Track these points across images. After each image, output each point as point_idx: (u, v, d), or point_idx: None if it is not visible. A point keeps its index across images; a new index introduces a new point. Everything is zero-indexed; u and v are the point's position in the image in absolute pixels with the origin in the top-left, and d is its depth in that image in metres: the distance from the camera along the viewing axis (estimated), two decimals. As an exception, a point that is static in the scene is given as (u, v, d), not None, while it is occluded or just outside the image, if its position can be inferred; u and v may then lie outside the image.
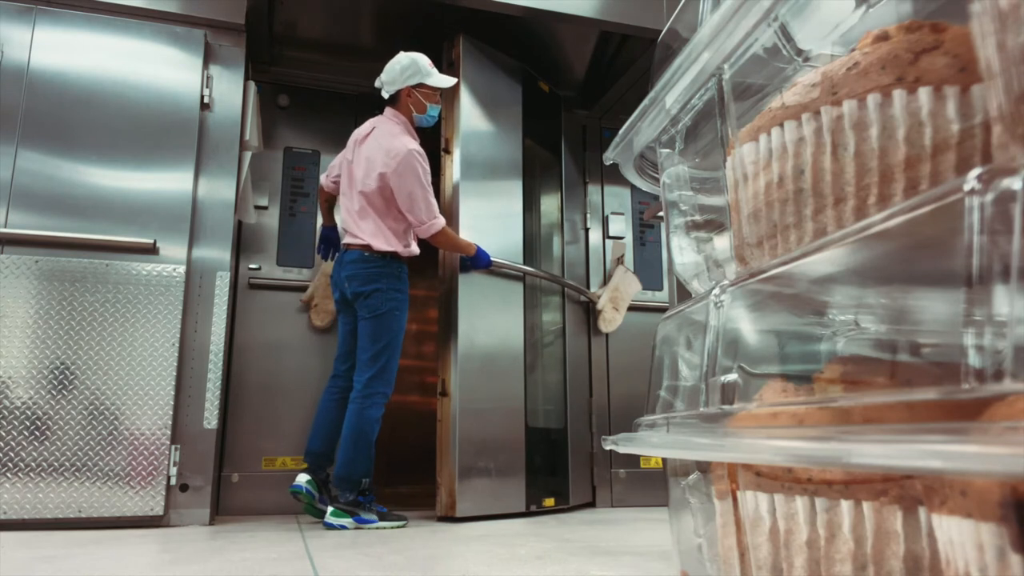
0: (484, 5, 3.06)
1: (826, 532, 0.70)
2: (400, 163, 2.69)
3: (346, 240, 2.83)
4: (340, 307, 2.90)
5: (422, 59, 2.82)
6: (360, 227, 2.76)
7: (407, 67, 2.79)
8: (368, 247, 2.74)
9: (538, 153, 3.67)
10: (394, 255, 2.77)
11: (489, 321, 3.15)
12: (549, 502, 3.22)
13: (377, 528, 2.62)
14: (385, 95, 2.88)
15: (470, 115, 3.24)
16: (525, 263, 3.36)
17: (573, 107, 4.03)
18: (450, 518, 2.86)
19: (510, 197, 3.38)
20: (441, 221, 2.79)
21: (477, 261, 2.97)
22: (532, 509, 3.11)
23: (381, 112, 2.92)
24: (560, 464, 3.39)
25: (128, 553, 1.94)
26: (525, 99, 3.52)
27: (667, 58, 1.14)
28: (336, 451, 2.74)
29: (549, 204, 3.76)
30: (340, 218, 2.94)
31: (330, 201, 3.11)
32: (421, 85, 2.82)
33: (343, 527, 2.59)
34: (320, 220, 3.30)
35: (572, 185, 3.85)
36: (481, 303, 3.12)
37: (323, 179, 3.07)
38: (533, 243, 3.54)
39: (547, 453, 3.32)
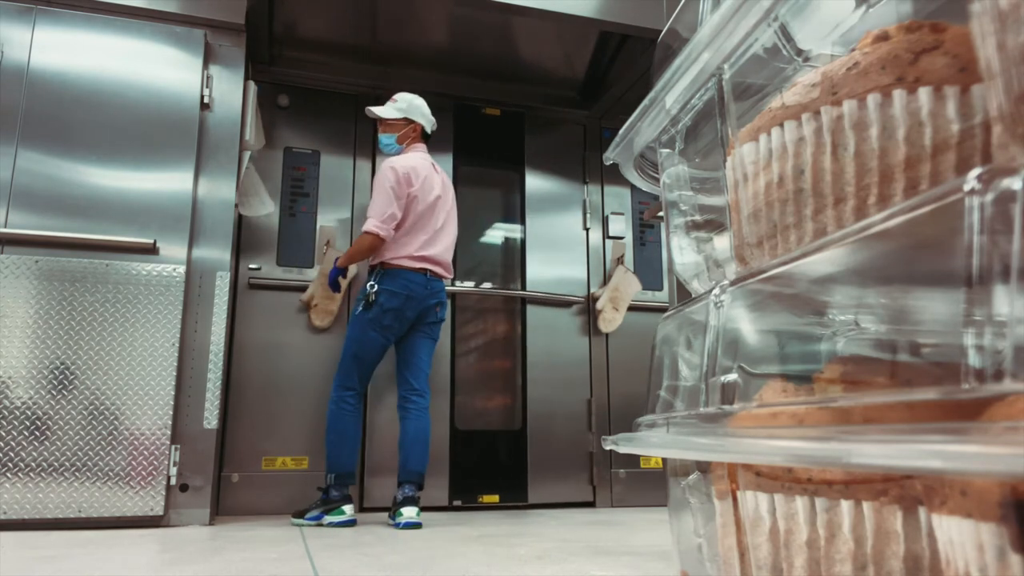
0: (479, 4, 3.07)
1: (826, 532, 0.70)
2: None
3: (429, 266, 2.90)
4: (400, 325, 2.86)
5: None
6: (447, 257, 2.98)
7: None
8: (447, 279, 3.02)
9: (492, 174, 3.89)
10: None
11: None
12: (489, 499, 3.45)
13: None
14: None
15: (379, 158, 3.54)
16: (485, 283, 3.74)
17: (573, 107, 4.03)
18: (363, 508, 3.27)
19: None
20: None
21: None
22: (455, 504, 3.38)
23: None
24: (513, 464, 3.55)
25: (128, 553, 1.94)
26: (459, 129, 3.76)
27: (667, 58, 1.14)
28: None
29: (510, 221, 3.88)
30: (418, 239, 2.87)
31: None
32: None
33: (420, 524, 2.69)
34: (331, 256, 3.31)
35: (545, 194, 3.91)
36: None
37: (388, 231, 2.83)
38: (494, 261, 3.84)
39: (488, 454, 3.54)
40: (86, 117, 2.74)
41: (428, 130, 3.07)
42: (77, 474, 2.48)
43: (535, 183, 3.90)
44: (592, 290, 3.83)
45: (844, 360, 0.84)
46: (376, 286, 2.82)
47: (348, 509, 2.74)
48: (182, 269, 2.72)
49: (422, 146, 3.04)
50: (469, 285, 3.73)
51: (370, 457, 3.34)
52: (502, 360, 3.72)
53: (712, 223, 1.16)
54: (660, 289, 3.92)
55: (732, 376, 0.89)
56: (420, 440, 2.83)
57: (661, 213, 1.54)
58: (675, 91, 1.12)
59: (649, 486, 3.67)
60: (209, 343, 2.74)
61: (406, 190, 2.85)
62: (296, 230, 3.43)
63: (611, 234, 3.92)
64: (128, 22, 2.86)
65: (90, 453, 2.51)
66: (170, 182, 2.79)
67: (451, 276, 3.04)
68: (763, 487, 0.78)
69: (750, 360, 0.90)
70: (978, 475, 0.44)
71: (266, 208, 3.21)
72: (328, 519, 2.71)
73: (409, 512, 2.66)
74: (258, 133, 3.12)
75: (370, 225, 2.81)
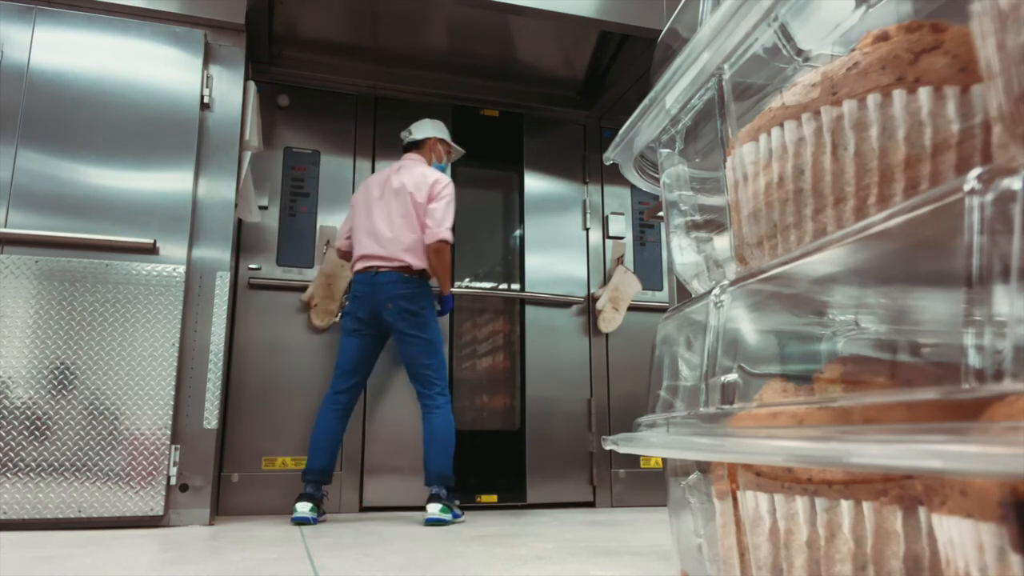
0: (479, 4, 3.07)
1: (826, 532, 0.70)
2: (440, 186, 3.01)
3: (373, 263, 2.94)
4: (360, 326, 2.95)
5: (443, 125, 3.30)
6: (393, 249, 2.93)
7: (437, 123, 3.25)
8: (408, 267, 2.94)
9: (490, 175, 3.93)
10: (425, 273, 3.00)
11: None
12: (487, 499, 3.48)
13: (455, 523, 2.81)
14: (414, 139, 3.18)
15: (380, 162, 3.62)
16: (485, 283, 3.78)
17: (572, 107, 4.03)
18: (363, 508, 3.30)
19: None
20: (447, 233, 2.96)
21: (445, 304, 3.16)
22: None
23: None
24: (512, 464, 3.57)
25: (128, 553, 1.94)
26: (458, 130, 3.76)
27: (667, 58, 1.14)
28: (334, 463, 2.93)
29: (509, 221, 3.91)
30: (359, 242, 3.01)
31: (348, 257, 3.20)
32: (443, 141, 3.23)
33: (444, 521, 2.74)
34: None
35: (544, 195, 3.92)
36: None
37: (342, 243, 3.17)
38: (493, 261, 3.86)
39: (486, 454, 3.56)
40: (86, 117, 2.73)
41: (406, 141, 3.21)
42: (77, 474, 2.48)
43: (534, 183, 3.90)
44: (592, 290, 3.83)
45: (844, 360, 0.84)
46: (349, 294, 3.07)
47: (299, 507, 2.74)
48: (182, 269, 2.72)
49: (407, 156, 3.16)
50: (468, 286, 3.73)
51: (369, 458, 3.34)
52: (501, 360, 3.73)
53: (712, 223, 1.16)
54: (660, 289, 3.92)
55: (732, 376, 0.89)
56: (434, 440, 2.86)
57: (661, 213, 1.54)
58: (675, 91, 1.12)
59: (649, 486, 3.67)
60: (209, 343, 2.74)
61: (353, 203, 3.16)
62: (296, 230, 3.44)
63: (611, 234, 3.92)
64: (128, 22, 2.86)
65: (90, 453, 2.51)
66: (170, 182, 2.79)
67: (411, 263, 2.92)
68: (763, 487, 0.78)
69: (750, 360, 0.90)
70: (978, 475, 0.44)
71: (252, 216, 3.17)
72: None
73: (432, 508, 2.74)
74: (257, 135, 3.12)
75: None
